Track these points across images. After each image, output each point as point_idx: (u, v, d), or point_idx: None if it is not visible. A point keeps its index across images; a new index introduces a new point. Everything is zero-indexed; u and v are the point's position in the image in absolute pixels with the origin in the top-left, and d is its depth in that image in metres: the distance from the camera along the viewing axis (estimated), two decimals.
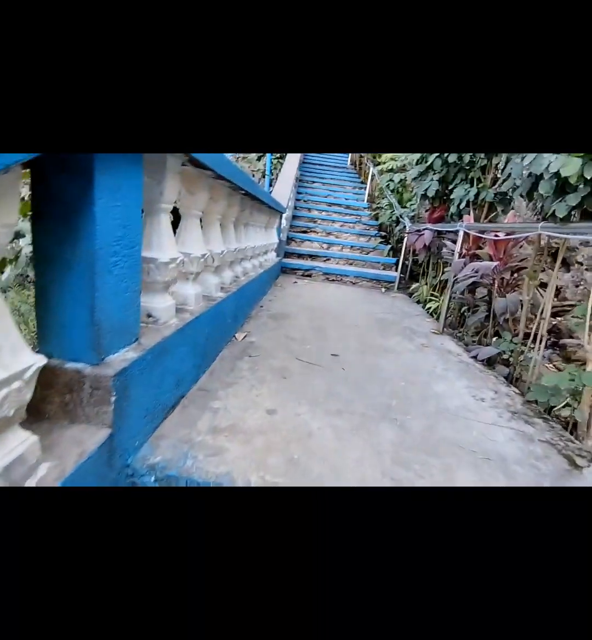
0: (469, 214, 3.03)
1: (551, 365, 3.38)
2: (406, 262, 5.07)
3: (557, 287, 2.96)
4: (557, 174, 1.42)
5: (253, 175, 6.57)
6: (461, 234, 2.67)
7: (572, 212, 1.54)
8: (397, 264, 5.08)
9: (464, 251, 2.78)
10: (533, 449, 1.34)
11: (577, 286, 3.89)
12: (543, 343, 1.94)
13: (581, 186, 1.44)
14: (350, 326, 2.83)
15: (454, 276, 2.72)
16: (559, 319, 3.53)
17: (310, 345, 2.29)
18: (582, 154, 1.34)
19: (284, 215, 5.10)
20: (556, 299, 3.91)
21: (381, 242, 5.76)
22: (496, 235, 2.18)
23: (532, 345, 2.34)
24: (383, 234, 5.93)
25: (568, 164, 1.35)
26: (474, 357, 2.30)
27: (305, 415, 1.47)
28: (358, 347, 2.34)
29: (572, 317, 1.66)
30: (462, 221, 3.00)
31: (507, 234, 2.08)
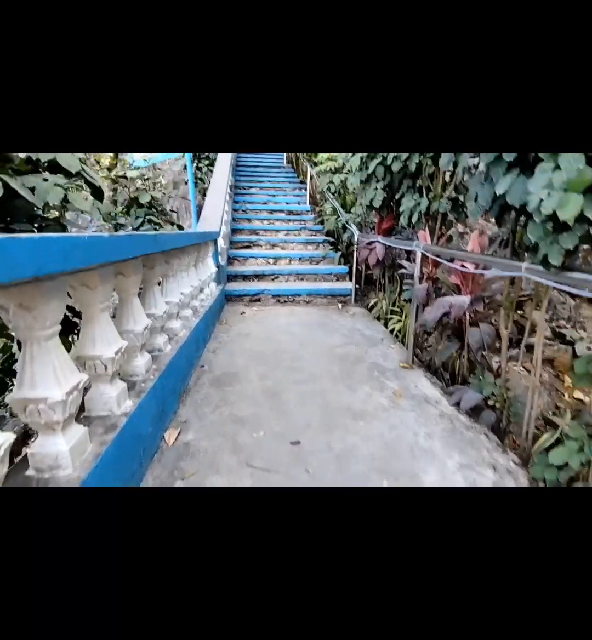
0: (421, 226, 2.72)
1: (520, 367, 3.25)
2: (359, 268, 4.76)
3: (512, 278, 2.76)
4: (552, 216, 1.07)
5: (160, 184, 5.49)
6: (418, 255, 2.34)
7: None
8: (350, 273, 4.75)
9: (424, 273, 2.47)
10: None
11: None
12: (536, 397, 1.65)
13: (577, 225, 1.10)
14: (310, 378, 2.40)
15: (418, 305, 2.40)
16: (519, 312, 3.40)
17: (264, 430, 1.82)
18: (582, 189, 1.00)
19: (221, 234, 4.52)
20: (511, 287, 3.82)
21: (330, 250, 5.40)
22: (463, 266, 1.87)
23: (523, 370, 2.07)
24: (331, 240, 5.57)
25: (567, 204, 1.01)
26: (456, 405, 1.98)
27: None
28: (323, 418, 1.92)
29: (577, 370, 1.36)
30: (417, 236, 2.69)
31: (477, 266, 1.77)
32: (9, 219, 1.40)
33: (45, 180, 1.36)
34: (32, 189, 1.30)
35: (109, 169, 4.83)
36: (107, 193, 4.95)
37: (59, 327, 1.00)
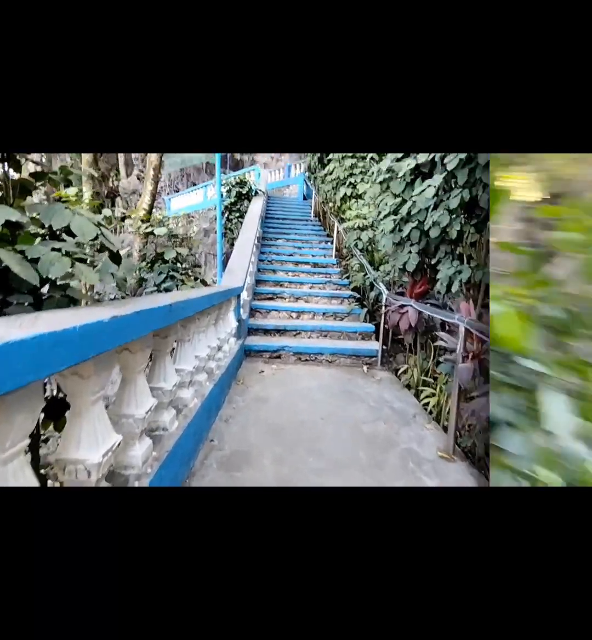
0: (460, 295, 2.47)
1: None
2: (386, 326, 4.49)
3: None
4: None
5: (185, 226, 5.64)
6: (462, 330, 2.07)
7: None
8: (377, 332, 4.48)
9: (468, 349, 2.18)
10: None
11: None
12: None
13: None
14: (332, 466, 2.07)
15: (460, 386, 2.08)
16: None
17: None
18: None
19: (245, 286, 4.45)
20: None
21: (356, 305, 5.20)
22: None
23: None
24: (357, 296, 5.39)
25: None
26: None
27: None
28: None
29: None
30: (452, 302, 2.43)
31: None
32: (14, 286, 1.28)
33: (55, 249, 1.25)
34: (37, 259, 1.18)
35: (143, 221, 5.03)
36: (138, 245, 5.12)
37: (26, 442, 0.80)
